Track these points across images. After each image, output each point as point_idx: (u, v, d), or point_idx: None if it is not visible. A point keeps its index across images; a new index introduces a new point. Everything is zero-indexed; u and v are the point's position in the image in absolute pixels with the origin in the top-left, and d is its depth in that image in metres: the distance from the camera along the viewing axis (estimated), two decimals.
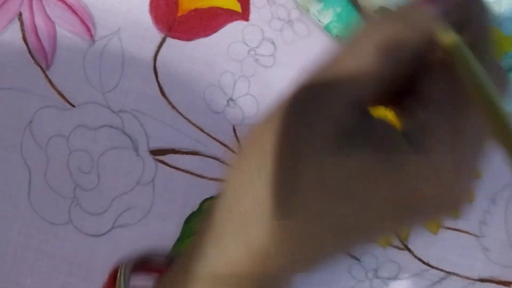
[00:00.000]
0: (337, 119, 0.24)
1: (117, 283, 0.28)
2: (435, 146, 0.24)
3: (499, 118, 0.22)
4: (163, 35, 0.36)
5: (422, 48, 0.25)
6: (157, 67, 0.37)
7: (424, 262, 0.37)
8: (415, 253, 0.37)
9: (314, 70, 0.25)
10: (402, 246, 0.37)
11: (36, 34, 0.37)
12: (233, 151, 0.37)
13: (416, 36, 0.25)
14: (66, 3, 0.36)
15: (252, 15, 0.36)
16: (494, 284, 0.37)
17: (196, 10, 0.36)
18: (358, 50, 0.25)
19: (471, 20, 0.25)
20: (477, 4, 0.26)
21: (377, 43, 0.24)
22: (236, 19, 0.36)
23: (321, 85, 0.25)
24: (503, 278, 0.37)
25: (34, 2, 0.36)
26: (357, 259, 0.37)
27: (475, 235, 0.36)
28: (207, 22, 0.36)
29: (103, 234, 0.38)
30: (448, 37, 0.25)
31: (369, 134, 0.24)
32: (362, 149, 0.24)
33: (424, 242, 0.37)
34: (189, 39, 0.36)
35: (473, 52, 0.24)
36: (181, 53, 0.36)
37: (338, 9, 0.33)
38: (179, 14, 0.36)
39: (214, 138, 0.37)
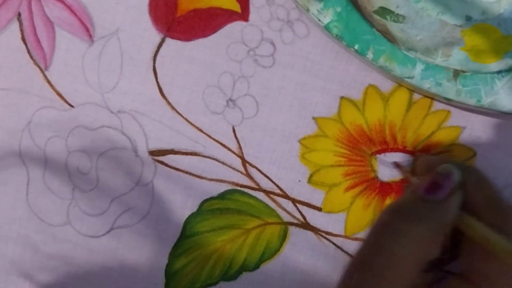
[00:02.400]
0: None
1: None
2: None
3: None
4: (162, 36, 0.36)
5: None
6: (156, 68, 0.37)
7: None
8: None
9: (352, 276, 0.30)
10: None
11: (35, 34, 0.36)
12: (233, 152, 0.37)
13: (442, 236, 0.30)
14: (65, 4, 0.36)
15: (251, 16, 0.36)
16: None
17: (195, 10, 0.36)
18: (394, 262, 0.29)
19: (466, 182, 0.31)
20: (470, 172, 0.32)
21: (413, 262, 0.29)
22: (235, 20, 0.36)
23: None
24: None
25: (33, 3, 0.36)
26: None
27: None
28: (206, 23, 0.36)
29: (102, 235, 0.38)
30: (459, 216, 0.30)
31: None
32: None
33: None
34: (188, 39, 0.36)
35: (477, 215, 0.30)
36: (180, 53, 0.36)
37: (339, 9, 0.33)
38: (178, 14, 0.36)
39: (214, 139, 0.37)
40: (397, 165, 0.36)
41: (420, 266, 0.29)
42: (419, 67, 0.33)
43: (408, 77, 0.33)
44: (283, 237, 0.37)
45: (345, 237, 0.37)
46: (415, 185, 0.31)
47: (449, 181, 0.31)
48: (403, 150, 0.36)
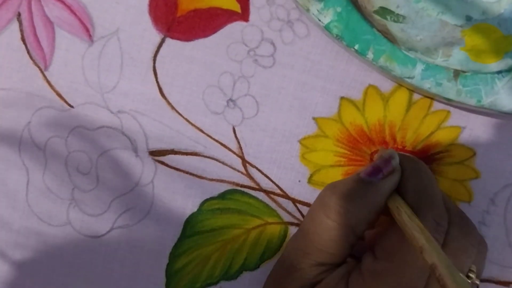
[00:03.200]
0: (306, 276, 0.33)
1: None
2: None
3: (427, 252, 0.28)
4: (162, 36, 0.36)
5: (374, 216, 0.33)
6: (156, 68, 0.36)
7: None
8: None
9: (294, 239, 0.35)
10: None
11: (35, 34, 0.36)
12: (233, 152, 0.37)
13: (370, 215, 0.32)
14: (64, 4, 0.36)
15: (251, 16, 0.36)
16: (493, 284, 0.37)
17: (195, 10, 0.36)
18: (322, 231, 0.32)
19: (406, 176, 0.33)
20: (409, 161, 0.34)
21: (337, 228, 0.32)
22: (235, 20, 0.36)
23: (297, 254, 0.34)
24: (502, 278, 0.37)
25: (33, 3, 0.36)
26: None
27: None
28: (206, 23, 0.36)
29: (102, 235, 0.38)
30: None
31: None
32: None
33: None
34: (188, 39, 0.36)
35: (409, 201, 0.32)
36: (180, 53, 0.36)
37: (339, 9, 0.33)
38: (179, 14, 0.36)
39: (214, 139, 0.37)
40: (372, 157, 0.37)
41: (347, 238, 0.32)
42: (419, 67, 0.33)
43: (408, 77, 0.33)
44: (284, 236, 0.37)
45: None
46: (360, 169, 0.34)
47: (388, 165, 0.33)
48: (403, 150, 0.36)
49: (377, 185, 0.32)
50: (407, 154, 0.35)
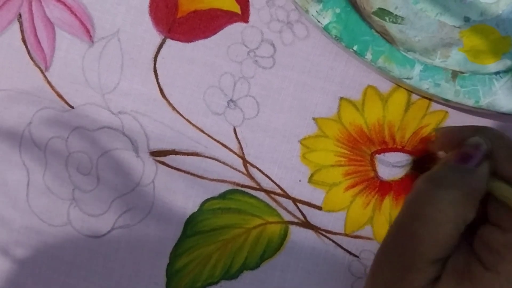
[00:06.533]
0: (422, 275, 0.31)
1: None
2: (506, 267, 0.30)
3: None
4: (162, 37, 0.36)
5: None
6: (157, 68, 0.37)
7: None
8: None
9: (394, 239, 0.32)
10: None
11: (35, 35, 0.36)
12: (234, 152, 0.37)
13: (477, 201, 0.31)
14: (65, 5, 0.36)
15: (251, 17, 0.36)
16: None
17: (195, 11, 0.36)
18: (434, 226, 0.31)
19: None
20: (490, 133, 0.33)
21: (451, 224, 0.31)
22: (235, 21, 0.36)
23: (406, 254, 0.31)
24: None
25: (33, 3, 0.36)
26: (356, 256, 0.38)
27: None
28: (206, 24, 0.36)
29: (103, 235, 0.38)
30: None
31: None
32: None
33: None
34: (188, 40, 0.36)
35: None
36: (181, 54, 0.36)
37: (338, 10, 0.33)
38: (179, 15, 0.36)
39: (215, 139, 0.37)
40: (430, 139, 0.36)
41: (459, 230, 0.31)
42: (418, 68, 0.34)
43: (407, 78, 0.34)
44: (284, 236, 0.38)
45: (345, 235, 0.38)
46: (446, 157, 0.33)
47: (478, 151, 0.32)
48: (402, 150, 0.37)
49: (478, 172, 0.31)
50: (486, 128, 0.35)
